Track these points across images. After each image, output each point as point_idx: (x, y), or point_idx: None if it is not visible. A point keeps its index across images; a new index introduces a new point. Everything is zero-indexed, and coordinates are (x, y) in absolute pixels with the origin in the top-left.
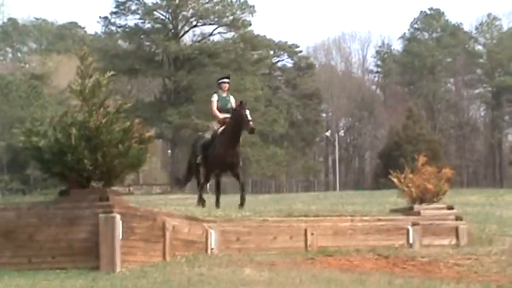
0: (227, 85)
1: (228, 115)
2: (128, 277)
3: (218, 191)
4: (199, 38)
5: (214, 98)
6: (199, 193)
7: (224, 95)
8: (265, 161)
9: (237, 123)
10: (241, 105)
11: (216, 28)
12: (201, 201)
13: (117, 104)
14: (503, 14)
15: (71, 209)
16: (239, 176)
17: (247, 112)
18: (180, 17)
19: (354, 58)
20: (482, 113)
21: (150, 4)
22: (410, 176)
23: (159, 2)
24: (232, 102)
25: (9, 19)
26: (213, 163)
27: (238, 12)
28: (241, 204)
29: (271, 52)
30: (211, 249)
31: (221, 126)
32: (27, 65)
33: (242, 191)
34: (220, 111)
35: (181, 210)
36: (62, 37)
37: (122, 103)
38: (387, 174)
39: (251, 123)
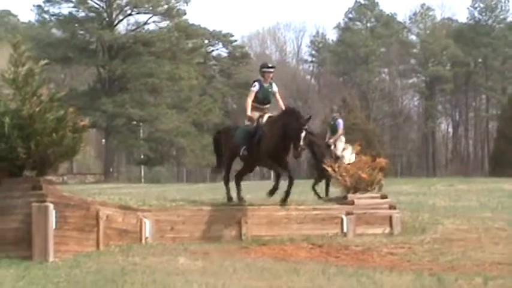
0: (271, 74)
1: (267, 106)
2: (61, 267)
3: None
4: (134, 27)
5: (255, 88)
6: (238, 189)
7: (266, 84)
8: (200, 150)
9: (287, 136)
10: (299, 121)
11: (151, 17)
12: (229, 197)
13: (50, 92)
14: (437, 5)
15: (3, 198)
16: (288, 169)
17: (303, 135)
18: (114, 5)
19: (288, 48)
20: (416, 103)
21: None
22: (345, 165)
23: None
24: (275, 90)
25: None
26: (258, 157)
27: (173, 1)
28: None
29: (206, 41)
30: (146, 238)
31: (263, 115)
32: None
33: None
34: (260, 103)
35: (115, 200)
36: None
37: (56, 92)
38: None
39: (301, 150)
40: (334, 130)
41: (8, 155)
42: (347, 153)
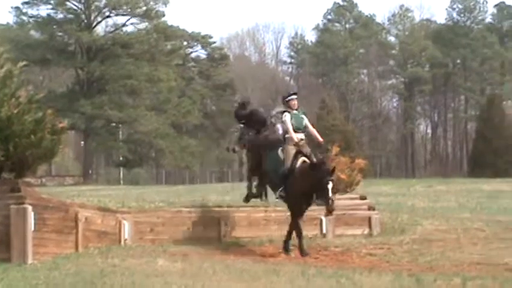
0: (296, 101)
1: (302, 135)
2: (40, 269)
3: None
4: (112, 29)
5: (287, 117)
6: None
7: (295, 112)
8: (178, 152)
9: (315, 189)
10: (324, 175)
11: (129, 19)
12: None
13: (29, 94)
14: (415, 6)
15: None
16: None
17: (330, 186)
18: (92, 7)
19: (267, 49)
20: (395, 104)
21: None
22: None
23: None
24: (305, 118)
25: None
26: (287, 197)
27: (151, 2)
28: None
29: (185, 43)
30: (125, 240)
31: (299, 156)
32: None
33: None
34: (295, 131)
35: (94, 202)
36: None
37: (34, 94)
38: None
39: (331, 203)
40: None
41: None
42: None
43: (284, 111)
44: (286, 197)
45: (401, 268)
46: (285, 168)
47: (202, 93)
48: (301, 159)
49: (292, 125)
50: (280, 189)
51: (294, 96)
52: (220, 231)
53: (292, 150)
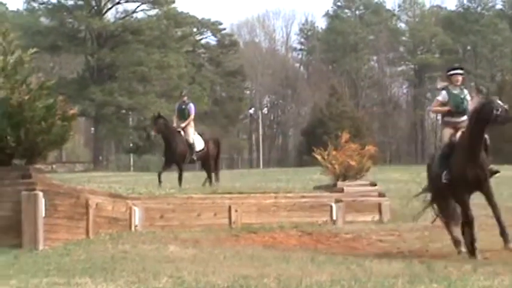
0: (460, 77)
1: (463, 119)
2: (51, 255)
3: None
4: (123, 15)
5: (441, 96)
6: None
7: (456, 91)
8: None
9: (480, 121)
10: (482, 100)
11: (140, 5)
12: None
13: (40, 81)
14: None
15: None
16: (490, 197)
17: (495, 102)
18: None
19: (277, 35)
20: (405, 91)
21: None
22: (334, 153)
23: None
24: (469, 98)
25: None
26: (455, 182)
27: None
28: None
29: (195, 29)
30: (135, 226)
31: (455, 132)
32: None
33: (499, 221)
34: (453, 115)
35: (105, 188)
36: None
37: (45, 80)
38: (311, 152)
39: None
40: (184, 115)
41: None
42: (197, 139)
43: (443, 88)
44: (451, 181)
45: (412, 255)
46: (444, 146)
47: (212, 79)
48: (460, 131)
49: (450, 106)
50: (444, 173)
51: (459, 71)
52: (231, 218)
53: (448, 132)
